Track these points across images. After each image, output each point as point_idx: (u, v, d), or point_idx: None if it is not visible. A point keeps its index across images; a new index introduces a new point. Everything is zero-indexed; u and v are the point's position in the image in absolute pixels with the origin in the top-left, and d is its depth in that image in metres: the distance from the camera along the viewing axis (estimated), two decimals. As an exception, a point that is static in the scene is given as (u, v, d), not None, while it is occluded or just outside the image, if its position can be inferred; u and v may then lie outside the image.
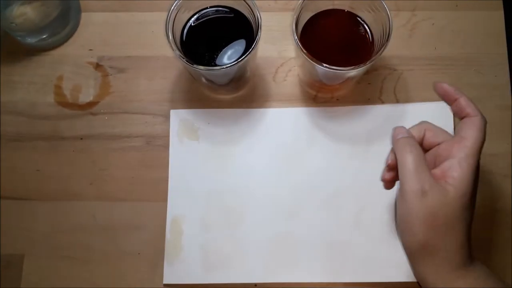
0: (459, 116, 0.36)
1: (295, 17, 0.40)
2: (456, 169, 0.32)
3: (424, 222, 0.32)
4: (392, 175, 0.37)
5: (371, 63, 0.39)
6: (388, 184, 0.38)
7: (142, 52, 0.51)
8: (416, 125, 0.37)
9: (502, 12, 0.50)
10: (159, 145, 0.48)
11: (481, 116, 0.34)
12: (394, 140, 0.35)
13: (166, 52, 0.50)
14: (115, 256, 0.45)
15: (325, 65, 0.39)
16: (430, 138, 0.36)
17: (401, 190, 0.33)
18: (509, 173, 0.46)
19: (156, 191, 0.47)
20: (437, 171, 0.33)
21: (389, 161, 0.36)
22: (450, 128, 0.47)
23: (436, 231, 0.32)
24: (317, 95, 0.49)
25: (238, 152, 0.47)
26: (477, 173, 0.33)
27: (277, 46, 0.50)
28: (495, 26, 0.50)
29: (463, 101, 0.35)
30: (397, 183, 0.36)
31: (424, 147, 0.37)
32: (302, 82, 0.49)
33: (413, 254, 0.34)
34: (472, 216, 0.34)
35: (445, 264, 0.32)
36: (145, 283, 0.45)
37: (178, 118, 0.48)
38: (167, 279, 0.44)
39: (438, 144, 0.36)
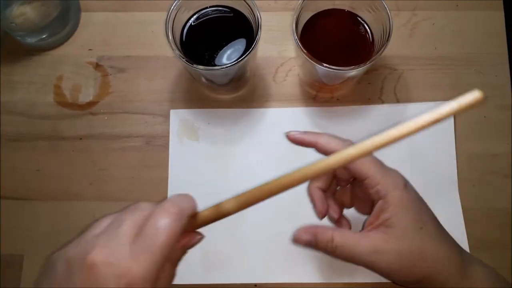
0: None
1: (295, 17, 0.40)
2: (385, 211, 0.31)
3: (398, 273, 0.31)
4: None
5: (371, 63, 0.39)
6: None
7: (142, 52, 0.50)
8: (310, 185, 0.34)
9: (502, 12, 0.50)
10: (159, 145, 0.48)
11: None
12: (309, 244, 0.33)
13: (166, 52, 0.50)
14: (115, 256, 0.45)
15: (325, 65, 0.39)
16: (340, 175, 0.34)
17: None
18: (509, 173, 0.46)
19: (156, 191, 0.47)
20: (372, 218, 0.32)
21: None
22: (450, 129, 0.47)
23: (416, 270, 0.30)
24: (317, 95, 0.49)
25: (238, 152, 0.47)
26: (410, 193, 0.31)
27: (277, 46, 0.50)
28: (495, 26, 0.50)
29: (323, 142, 0.32)
30: None
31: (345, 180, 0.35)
32: (302, 82, 0.49)
33: None
34: (436, 227, 0.32)
35: (445, 283, 0.31)
36: (145, 283, 0.44)
37: (178, 118, 0.48)
38: (167, 279, 0.44)
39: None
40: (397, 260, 0.30)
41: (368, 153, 0.27)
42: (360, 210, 0.36)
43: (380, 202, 0.31)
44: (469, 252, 0.44)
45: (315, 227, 0.32)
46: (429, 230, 0.31)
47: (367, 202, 0.34)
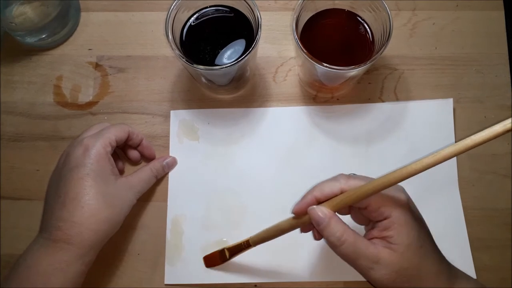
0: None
1: (295, 16, 0.40)
2: (388, 229, 0.32)
3: (391, 285, 0.31)
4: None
5: (371, 63, 0.39)
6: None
7: (141, 52, 0.50)
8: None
9: (502, 12, 0.50)
10: (159, 145, 0.48)
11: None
12: (318, 223, 0.32)
13: (166, 52, 0.50)
14: (115, 256, 0.45)
15: (325, 64, 0.39)
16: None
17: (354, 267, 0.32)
18: (509, 173, 0.46)
19: (156, 191, 0.47)
20: (374, 232, 0.33)
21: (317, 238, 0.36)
22: (450, 126, 0.47)
23: (407, 285, 0.31)
24: (317, 95, 0.49)
25: (238, 152, 0.47)
26: (412, 212, 0.32)
27: (277, 46, 0.50)
28: (495, 26, 0.50)
29: (317, 193, 0.33)
30: None
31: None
32: (302, 82, 0.49)
33: None
34: (432, 245, 0.33)
35: None
36: (145, 283, 0.44)
37: (178, 118, 0.48)
38: (169, 279, 0.44)
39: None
40: (396, 274, 0.31)
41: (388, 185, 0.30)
42: (357, 221, 0.36)
43: (384, 221, 0.32)
44: (469, 252, 0.44)
45: (334, 213, 0.32)
46: (427, 249, 0.32)
47: (365, 217, 0.34)
